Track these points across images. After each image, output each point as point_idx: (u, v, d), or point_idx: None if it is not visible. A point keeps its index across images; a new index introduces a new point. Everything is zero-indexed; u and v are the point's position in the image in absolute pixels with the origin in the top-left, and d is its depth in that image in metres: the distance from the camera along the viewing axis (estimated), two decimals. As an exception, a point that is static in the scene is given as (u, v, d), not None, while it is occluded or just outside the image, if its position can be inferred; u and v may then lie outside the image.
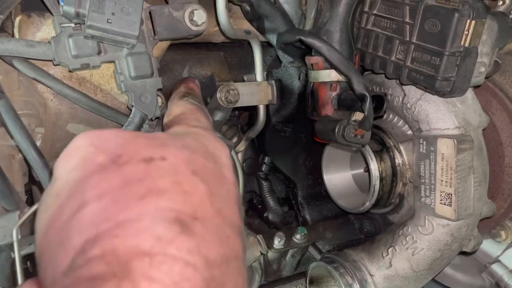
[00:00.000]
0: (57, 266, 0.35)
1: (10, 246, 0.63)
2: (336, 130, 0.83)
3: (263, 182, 1.13)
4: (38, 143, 0.74)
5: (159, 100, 0.80)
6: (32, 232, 0.67)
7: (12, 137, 0.66)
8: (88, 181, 0.38)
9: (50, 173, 0.67)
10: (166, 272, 0.32)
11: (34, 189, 0.92)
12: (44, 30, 0.74)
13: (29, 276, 0.90)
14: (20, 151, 0.69)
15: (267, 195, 1.12)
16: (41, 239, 0.38)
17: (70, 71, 0.73)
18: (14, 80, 0.72)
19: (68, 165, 0.40)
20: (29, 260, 0.83)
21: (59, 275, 0.34)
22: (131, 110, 0.76)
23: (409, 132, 0.95)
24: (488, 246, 1.16)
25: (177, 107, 0.67)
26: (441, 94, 0.83)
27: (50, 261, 0.36)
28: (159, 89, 0.77)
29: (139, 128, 0.77)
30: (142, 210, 0.35)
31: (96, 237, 0.34)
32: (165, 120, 0.66)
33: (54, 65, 0.71)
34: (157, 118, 0.78)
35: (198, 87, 0.74)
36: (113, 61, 0.73)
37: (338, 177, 1.10)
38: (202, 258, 0.34)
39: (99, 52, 0.71)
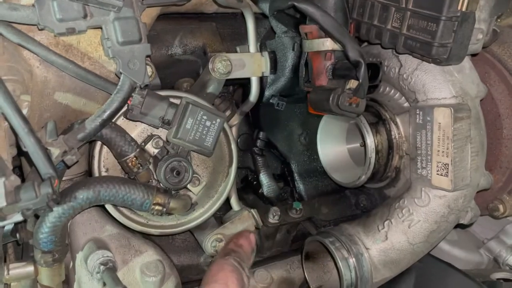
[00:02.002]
0: None
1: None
2: (331, 99, 0.81)
3: (258, 158, 1.11)
4: (24, 112, 0.72)
5: (149, 69, 0.78)
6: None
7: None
8: None
9: (37, 140, 0.65)
10: None
11: (24, 162, 0.91)
12: (30, -5, 0.72)
13: (20, 248, 0.88)
14: (6, 119, 0.67)
15: (262, 171, 1.11)
16: None
17: (55, 36, 0.71)
18: (-2, 45, 0.70)
19: None
20: (18, 232, 0.82)
21: None
22: (119, 78, 0.74)
23: (406, 104, 0.93)
24: (486, 222, 1.15)
25: (215, 265, 0.74)
26: (438, 61, 0.81)
27: None
28: (148, 56, 0.75)
29: (129, 96, 0.75)
30: None
31: None
32: (204, 277, 0.73)
33: (39, 29, 0.69)
34: (146, 86, 0.76)
35: (251, 242, 0.82)
36: (100, 27, 0.71)
37: (333, 151, 1.09)
38: None
39: (85, 16, 0.69)
